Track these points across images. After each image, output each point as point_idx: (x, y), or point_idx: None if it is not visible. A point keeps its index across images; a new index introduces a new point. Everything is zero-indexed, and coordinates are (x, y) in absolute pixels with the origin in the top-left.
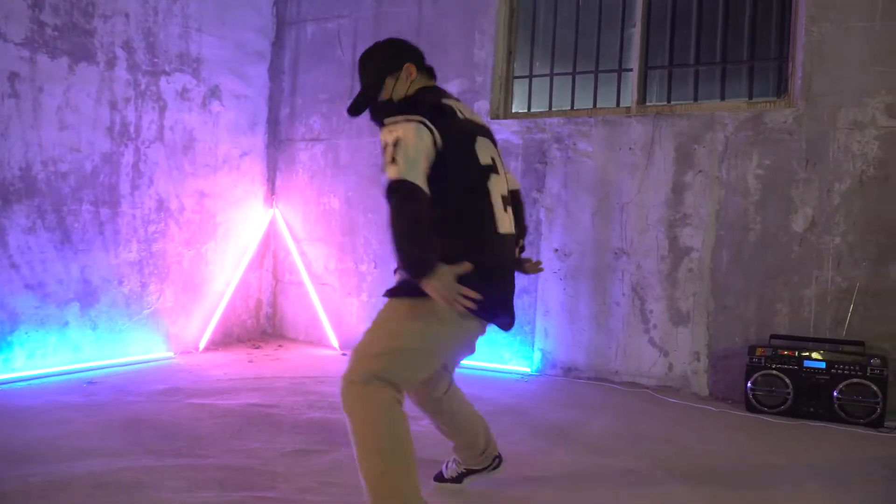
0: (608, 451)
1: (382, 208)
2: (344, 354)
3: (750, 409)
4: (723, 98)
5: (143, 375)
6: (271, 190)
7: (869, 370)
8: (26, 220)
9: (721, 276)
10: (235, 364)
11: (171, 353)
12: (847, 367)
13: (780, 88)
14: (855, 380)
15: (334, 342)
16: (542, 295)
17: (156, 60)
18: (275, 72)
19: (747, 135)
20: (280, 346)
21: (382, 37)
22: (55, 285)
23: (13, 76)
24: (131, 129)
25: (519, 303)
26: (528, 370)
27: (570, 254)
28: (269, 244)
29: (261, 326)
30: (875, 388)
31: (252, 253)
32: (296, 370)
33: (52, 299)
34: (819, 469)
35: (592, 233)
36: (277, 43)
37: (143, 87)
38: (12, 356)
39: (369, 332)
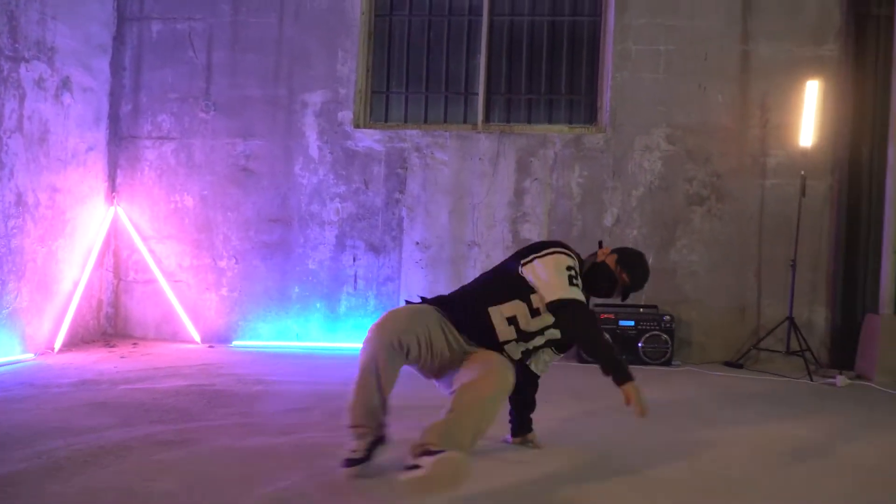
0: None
1: (241, 206)
2: (211, 347)
3: (581, 360)
4: (550, 122)
5: (25, 373)
6: (112, 187)
7: (662, 324)
8: None
9: None
10: (110, 360)
11: (30, 355)
12: (647, 323)
13: (591, 117)
14: (652, 332)
15: (195, 336)
16: (405, 281)
17: (17, 46)
18: (116, 67)
19: (571, 152)
20: (135, 343)
21: (241, 44)
22: None
23: None
24: None
25: (384, 289)
26: None
27: (430, 246)
28: (111, 243)
29: (101, 327)
30: (666, 338)
31: (97, 252)
32: (184, 360)
33: None
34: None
35: (449, 228)
36: (118, 38)
37: (5, 72)
38: None
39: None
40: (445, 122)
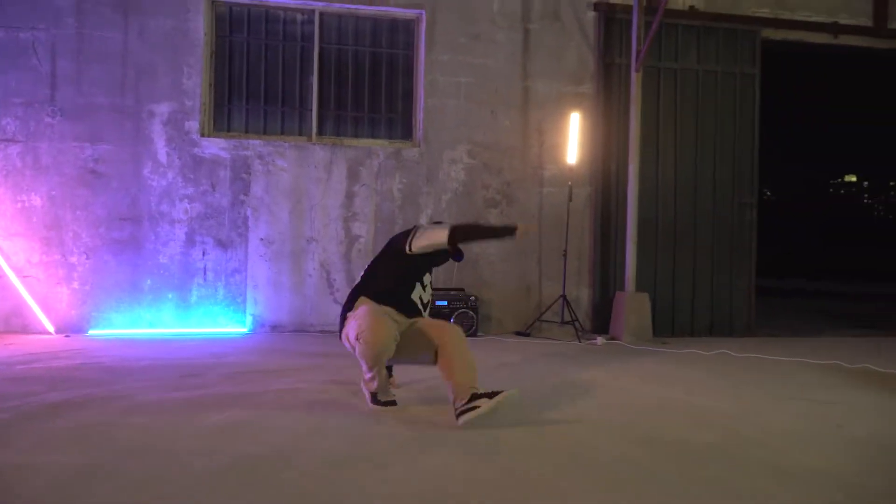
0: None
1: (91, 206)
2: (67, 336)
3: None
4: (373, 136)
5: None
6: None
7: (469, 303)
8: None
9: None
10: None
11: None
12: (457, 302)
13: (408, 134)
14: (462, 310)
15: (49, 327)
16: (251, 273)
17: None
18: None
19: (392, 162)
20: None
21: (86, 55)
22: None
23: None
24: None
25: (232, 280)
26: (244, 331)
27: (273, 242)
28: None
29: None
30: (472, 314)
31: None
32: (53, 347)
33: None
34: None
35: (290, 226)
36: None
37: None
38: None
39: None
40: (283, 133)
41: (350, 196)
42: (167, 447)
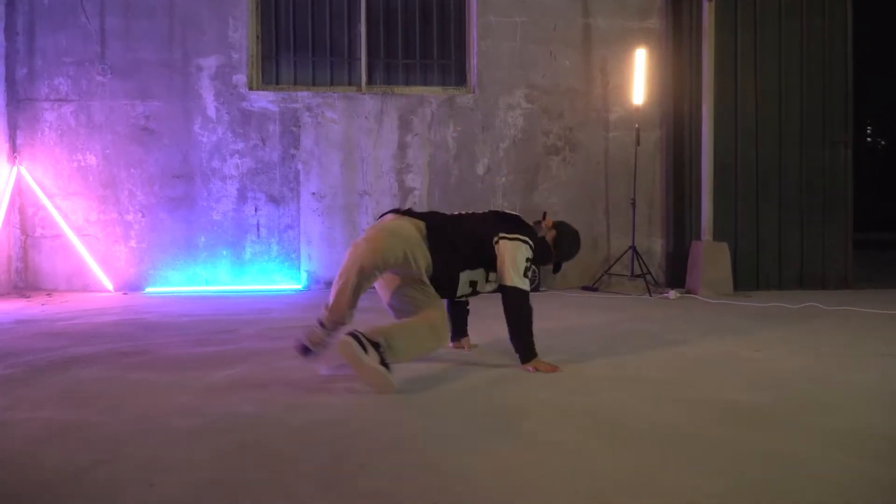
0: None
1: (144, 164)
2: (125, 294)
3: None
4: (426, 84)
5: None
6: (13, 148)
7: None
8: None
9: (435, 206)
10: (32, 307)
11: None
12: None
13: (462, 80)
14: None
15: (108, 285)
16: (304, 228)
17: None
18: (9, 32)
19: (445, 110)
20: (49, 294)
21: (134, 12)
22: None
23: None
24: None
25: (285, 236)
26: (298, 287)
27: (325, 196)
28: (15, 201)
29: (12, 281)
30: (535, 268)
31: (3, 210)
32: (106, 304)
33: None
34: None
35: (341, 179)
36: (10, 4)
37: None
38: None
39: None
40: (332, 84)
41: (402, 147)
42: (151, 404)
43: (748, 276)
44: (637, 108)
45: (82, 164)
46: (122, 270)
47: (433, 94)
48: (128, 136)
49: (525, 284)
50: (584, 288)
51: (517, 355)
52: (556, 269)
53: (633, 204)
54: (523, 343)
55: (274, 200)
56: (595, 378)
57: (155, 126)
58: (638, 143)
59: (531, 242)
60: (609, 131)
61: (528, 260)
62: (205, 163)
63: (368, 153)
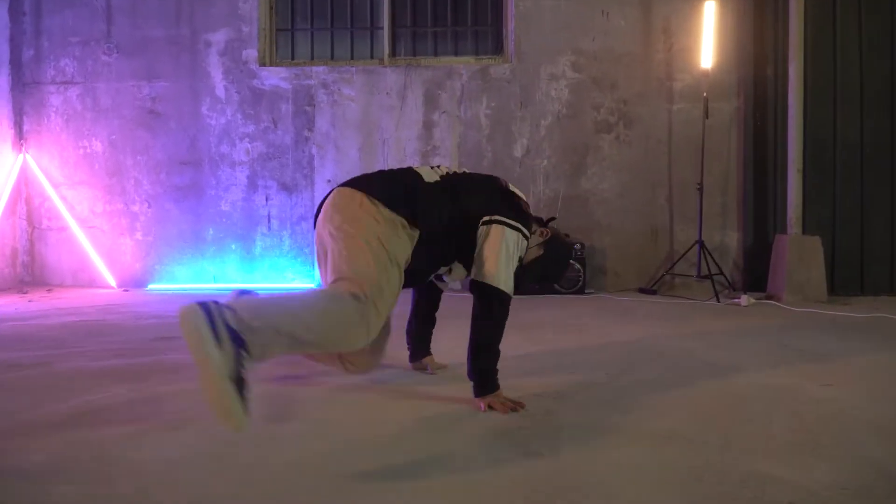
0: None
1: (150, 150)
2: (126, 290)
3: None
4: (456, 54)
5: None
6: (19, 135)
7: (573, 253)
8: None
9: None
10: (18, 304)
11: None
12: None
13: (498, 47)
14: None
15: (111, 281)
16: None
17: None
18: (15, 13)
19: (477, 83)
20: (49, 290)
21: None
22: None
23: None
24: None
25: (298, 228)
26: (311, 285)
27: None
28: (21, 190)
29: (18, 275)
30: (578, 266)
31: (5, 200)
32: (91, 302)
33: None
34: (557, 313)
35: (360, 164)
36: None
37: None
38: None
39: None
40: (352, 59)
41: (428, 126)
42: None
43: (849, 278)
44: (706, 74)
45: (88, 150)
46: (128, 265)
47: (464, 65)
48: (134, 119)
49: (510, 288)
50: (641, 290)
51: (471, 382)
52: (538, 283)
53: (701, 189)
54: (484, 368)
55: (286, 188)
56: (566, 429)
57: (162, 108)
58: (707, 116)
59: (525, 229)
60: (673, 103)
61: (519, 260)
62: (213, 148)
63: (390, 134)
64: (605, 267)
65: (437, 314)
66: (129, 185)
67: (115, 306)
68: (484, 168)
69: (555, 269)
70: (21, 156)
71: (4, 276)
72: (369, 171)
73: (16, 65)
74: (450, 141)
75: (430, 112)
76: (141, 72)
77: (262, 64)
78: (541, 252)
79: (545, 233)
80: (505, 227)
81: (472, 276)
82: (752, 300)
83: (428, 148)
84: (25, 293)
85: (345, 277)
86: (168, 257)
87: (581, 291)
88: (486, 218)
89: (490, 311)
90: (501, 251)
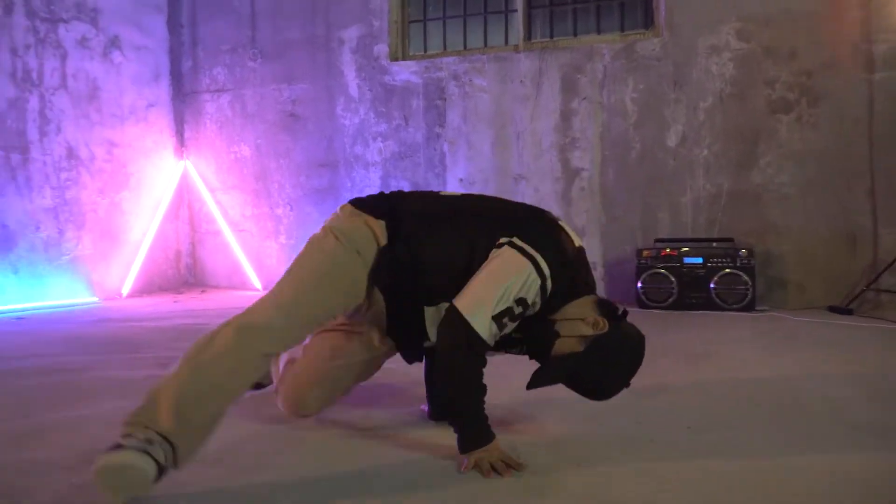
0: None
1: (291, 153)
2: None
3: (641, 305)
4: (599, 32)
5: (73, 313)
6: (180, 142)
7: (738, 261)
8: None
9: (609, 191)
10: (161, 304)
11: (95, 298)
12: (720, 260)
13: (648, 21)
14: (727, 270)
15: (257, 284)
16: None
17: (53, 8)
18: (174, 25)
19: (622, 63)
20: (203, 291)
21: None
22: None
23: None
24: (34, 75)
25: None
26: None
27: (475, 182)
28: (184, 196)
29: (182, 277)
30: (745, 277)
31: (167, 204)
32: (222, 305)
33: None
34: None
35: (493, 161)
36: None
37: (42, 34)
38: None
39: None
40: (486, 46)
41: (566, 116)
42: None
43: None
44: None
45: (238, 155)
46: (273, 268)
47: (605, 44)
48: (276, 123)
49: (487, 334)
50: (832, 309)
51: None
52: (535, 380)
53: None
54: (466, 414)
55: (418, 189)
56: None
57: (301, 111)
58: None
59: (544, 267)
60: (874, 72)
61: (518, 303)
62: (348, 149)
63: (524, 127)
64: (786, 279)
65: None
66: (273, 188)
67: (237, 310)
68: (630, 160)
69: (591, 379)
70: (182, 162)
71: (168, 277)
72: (504, 166)
73: (176, 75)
74: (591, 131)
75: (569, 99)
76: (281, 75)
77: (394, 59)
78: (578, 349)
79: (600, 324)
80: (516, 252)
81: (449, 305)
82: None
83: (566, 140)
84: (181, 293)
85: None
86: None
87: (750, 307)
88: (502, 240)
89: (450, 355)
90: (494, 280)
